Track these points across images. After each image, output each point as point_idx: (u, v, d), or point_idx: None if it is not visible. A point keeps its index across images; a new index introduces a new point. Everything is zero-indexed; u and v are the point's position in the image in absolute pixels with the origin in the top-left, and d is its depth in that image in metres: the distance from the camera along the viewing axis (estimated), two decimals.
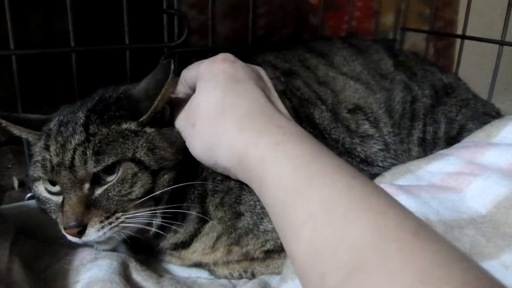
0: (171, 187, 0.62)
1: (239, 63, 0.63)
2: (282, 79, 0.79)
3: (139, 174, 0.59)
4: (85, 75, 0.86)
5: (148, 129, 0.62)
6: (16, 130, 0.66)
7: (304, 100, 0.77)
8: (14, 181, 0.95)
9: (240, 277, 0.69)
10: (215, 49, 1.03)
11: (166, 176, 0.61)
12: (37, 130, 0.65)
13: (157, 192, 0.60)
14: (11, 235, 0.65)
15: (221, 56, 0.63)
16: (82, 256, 0.64)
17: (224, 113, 0.57)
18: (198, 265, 0.72)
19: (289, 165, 0.48)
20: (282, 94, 0.73)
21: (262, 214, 0.66)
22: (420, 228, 0.39)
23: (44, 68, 0.89)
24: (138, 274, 0.63)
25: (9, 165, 0.95)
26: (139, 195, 0.59)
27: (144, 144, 0.61)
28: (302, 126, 0.60)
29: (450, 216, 0.58)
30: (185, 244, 0.68)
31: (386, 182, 0.69)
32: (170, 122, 0.65)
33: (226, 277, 0.69)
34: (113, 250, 0.67)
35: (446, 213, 0.59)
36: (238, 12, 1.08)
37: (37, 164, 0.61)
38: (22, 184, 0.95)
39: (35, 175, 0.62)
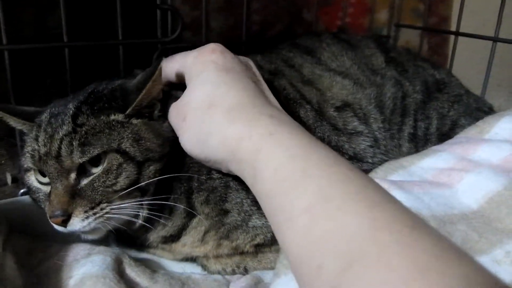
0: (157, 179, 0.62)
1: (228, 53, 0.62)
2: (265, 76, 0.78)
3: (124, 165, 0.60)
4: (78, 70, 0.86)
5: (135, 120, 0.63)
6: (12, 121, 0.67)
7: (290, 100, 0.77)
8: (7, 177, 0.94)
9: (233, 272, 0.69)
10: None
11: (151, 167, 0.62)
12: (31, 121, 0.66)
13: (142, 184, 0.61)
14: (4, 231, 0.65)
15: (209, 46, 0.62)
16: (76, 251, 0.64)
17: (214, 104, 0.56)
18: (190, 259, 0.72)
19: (285, 156, 0.47)
20: None
21: (250, 211, 0.66)
22: (417, 222, 0.39)
23: (36, 63, 0.89)
24: (132, 270, 0.63)
25: (2, 161, 0.95)
26: (124, 186, 0.60)
27: (130, 135, 0.61)
28: None
29: (442, 211, 0.58)
30: (174, 237, 0.68)
31: (378, 177, 0.69)
32: (161, 119, 0.66)
33: (219, 273, 0.70)
34: (106, 245, 0.67)
35: (438, 208, 0.59)
36: (232, 7, 1.08)
37: (27, 154, 0.62)
38: (15, 180, 0.95)
39: (25, 165, 0.64)
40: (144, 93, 0.62)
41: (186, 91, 0.61)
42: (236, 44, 1.08)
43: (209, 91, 0.57)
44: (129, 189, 0.60)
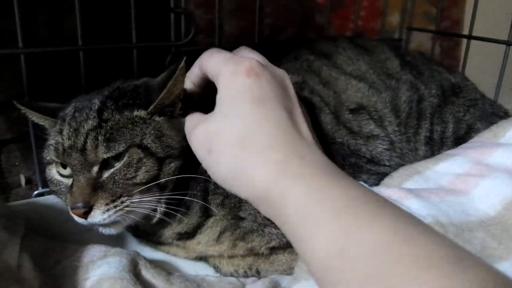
0: (176, 176, 0.63)
1: (265, 76, 0.57)
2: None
3: (144, 160, 0.61)
4: (93, 73, 0.87)
5: (157, 118, 0.64)
6: (35, 117, 0.69)
7: (314, 109, 0.76)
8: (21, 178, 0.95)
9: (245, 274, 0.70)
10: (222, 47, 1.03)
11: (172, 164, 0.63)
12: (53, 117, 0.67)
13: (162, 180, 0.62)
14: (21, 232, 0.65)
15: (245, 66, 0.57)
16: (92, 253, 0.65)
17: (246, 144, 0.53)
18: (203, 259, 0.72)
19: (310, 201, 0.46)
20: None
21: (263, 223, 0.67)
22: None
23: (52, 66, 0.90)
24: (148, 272, 0.63)
25: (16, 163, 0.96)
26: (144, 180, 0.61)
27: (152, 132, 0.62)
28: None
29: (460, 218, 0.58)
30: (189, 235, 0.69)
31: (395, 185, 0.69)
32: (180, 116, 0.66)
33: (231, 274, 0.70)
34: (121, 246, 0.68)
35: (456, 216, 0.59)
36: (245, 11, 1.08)
37: (50, 147, 0.64)
38: (29, 181, 0.95)
39: (48, 158, 0.65)
40: (166, 92, 0.63)
41: (214, 118, 0.57)
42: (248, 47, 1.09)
43: (240, 128, 0.54)
44: (149, 185, 0.61)
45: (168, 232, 0.69)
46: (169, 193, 0.64)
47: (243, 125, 0.54)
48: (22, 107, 0.68)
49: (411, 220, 0.43)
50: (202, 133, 0.58)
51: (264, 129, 0.53)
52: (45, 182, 0.88)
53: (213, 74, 0.60)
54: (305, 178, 0.48)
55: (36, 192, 0.90)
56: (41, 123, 0.69)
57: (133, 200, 0.61)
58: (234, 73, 0.57)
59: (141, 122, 0.63)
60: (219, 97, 0.57)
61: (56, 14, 0.91)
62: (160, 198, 0.64)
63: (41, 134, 0.70)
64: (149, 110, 0.63)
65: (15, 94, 0.84)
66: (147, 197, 0.62)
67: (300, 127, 0.57)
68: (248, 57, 0.59)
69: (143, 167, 0.61)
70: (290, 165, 0.50)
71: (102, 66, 0.90)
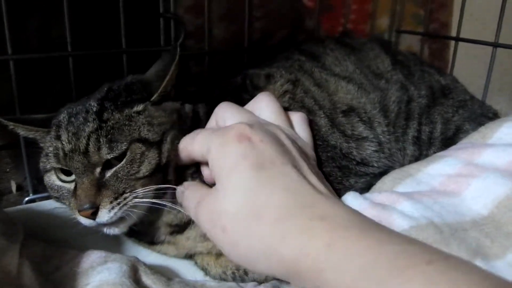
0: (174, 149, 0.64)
1: (257, 136, 0.53)
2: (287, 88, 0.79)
3: (146, 153, 0.62)
4: (83, 78, 0.87)
5: (149, 107, 0.65)
6: (24, 131, 0.68)
7: (305, 110, 0.77)
8: (12, 185, 0.95)
9: (233, 275, 0.70)
10: (212, 52, 1.04)
11: (168, 138, 0.64)
12: (44, 127, 0.67)
13: (163, 160, 0.63)
14: (20, 238, 0.65)
15: (235, 131, 0.54)
16: (92, 259, 0.65)
17: (258, 217, 0.48)
18: (192, 257, 0.72)
19: (351, 271, 0.40)
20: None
21: None
22: None
23: (41, 72, 0.90)
24: (148, 277, 0.63)
25: (7, 169, 0.95)
26: (146, 173, 0.62)
27: (144, 121, 0.64)
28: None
29: (453, 219, 0.58)
30: (180, 228, 0.69)
31: (387, 189, 0.69)
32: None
33: (220, 276, 0.70)
34: (119, 248, 0.68)
35: (449, 216, 0.59)
36: (234, 15, 1.08)
37: (49, 155, 0.64)
38: (20, 188, 0.95)
39: (47, 166, 0.65)
40: (169, 78, 0.65)
41: (217, 193, 0.53)
42: (238, 52, 1.09)
43: (248, 200, 0.49)
44: (151, 176, 0.63)
45: (160, 225, 0.69)
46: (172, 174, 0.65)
47: (249, 195, 0.50)
48: (11, 123, 0.68)
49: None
50: (209, 210, 0.53)
51: (273, 197, 0.49)
52: (36, 188, 0.88)
53: (202, 154, 0.58)
54: (336, 245, 0.43)
55: (27, 199, 0.90)
56: (31, 136, 0.69)
57: (136, 194, 0.62)
58: (224, 144, 0.54)
59: (136, 115, 0.64)
60: (215, 173, 0.54)
61: (45, 20, 0.91)
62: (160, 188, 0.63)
63: (31, 141, 0.70)
64: (152, 99, 0.65)
65: (4, 100, 0.84)
66: (149, 187, 0.62)
67: (310, 180, 0.53)
68: (235, 123, 0.56)
69: (146, 160, 0.62)
70: (315, 231, 0.45)
71: (92, 71, 0.90)
